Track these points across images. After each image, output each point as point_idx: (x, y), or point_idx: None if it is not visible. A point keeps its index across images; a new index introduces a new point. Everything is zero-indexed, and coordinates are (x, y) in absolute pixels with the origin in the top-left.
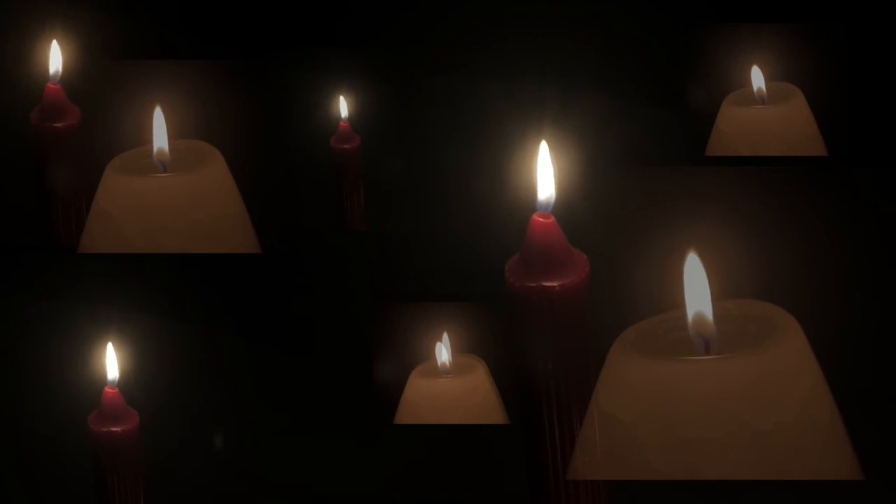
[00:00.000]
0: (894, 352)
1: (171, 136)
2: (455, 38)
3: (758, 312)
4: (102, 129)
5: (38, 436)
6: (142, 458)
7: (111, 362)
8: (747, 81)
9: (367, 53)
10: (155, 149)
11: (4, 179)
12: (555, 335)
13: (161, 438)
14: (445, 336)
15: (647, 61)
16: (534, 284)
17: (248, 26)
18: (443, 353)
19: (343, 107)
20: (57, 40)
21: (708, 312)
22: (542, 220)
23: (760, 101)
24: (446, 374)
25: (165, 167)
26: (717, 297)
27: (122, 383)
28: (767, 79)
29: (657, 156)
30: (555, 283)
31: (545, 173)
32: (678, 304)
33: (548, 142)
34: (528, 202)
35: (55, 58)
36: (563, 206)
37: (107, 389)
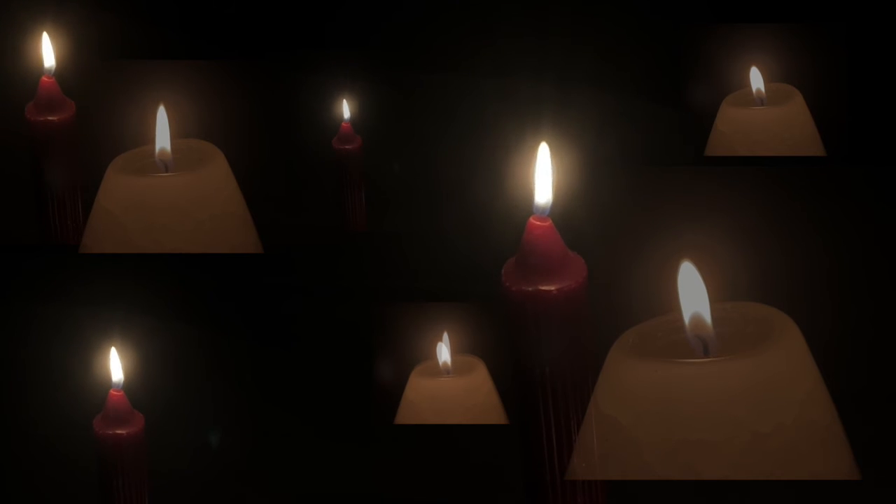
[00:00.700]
0: (892, 352)
1: (174, 136)
2: (457, 39)
3: (756, 314)
4: (103, 128)
5: (41, 439)
6: (147, 461)
7: (115, 365)
8: (746, 82)
9: (369, 55)
10: (157, 148)
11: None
12: (552, 339)
13: (165, 440)
14: (446, 336)
15: (647, 62)
16: (531, 289)
17: (249, 26)
18: (443, 352)
19: (346, 108)
20: (49, 35)
21: (706, 315)
22: (539, 223)
23: (759, 101)
24: (447, 373)
25: (167, 167)
26: (715, 299)
27: (126, 386)
28: (766, 80)
29: (656, 157)
30: (552, 287)
31: (543, 176)
32: (675, 308)
33: (547, 143)
34: (527, 203)
35: (48, 52)
36: (561, 209)
37: (112, 392)
